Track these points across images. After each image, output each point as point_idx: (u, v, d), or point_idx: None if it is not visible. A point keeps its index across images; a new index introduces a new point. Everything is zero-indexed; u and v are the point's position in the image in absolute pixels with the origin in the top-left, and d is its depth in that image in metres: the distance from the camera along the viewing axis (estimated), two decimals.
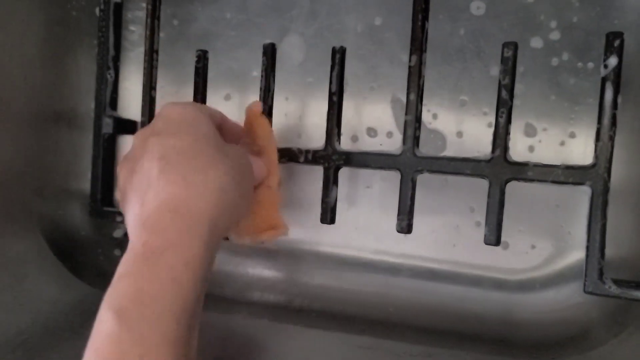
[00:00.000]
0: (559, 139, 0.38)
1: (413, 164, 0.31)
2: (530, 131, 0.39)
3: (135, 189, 0.27)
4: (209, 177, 0.26)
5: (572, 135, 0.38)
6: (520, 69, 0.38)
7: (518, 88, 0.38)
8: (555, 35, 0.38)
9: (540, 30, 0.38)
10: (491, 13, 0.39)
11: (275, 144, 0.33)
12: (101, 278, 0.43)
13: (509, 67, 0.29)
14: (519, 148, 0.39)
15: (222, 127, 0.32)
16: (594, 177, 0.28)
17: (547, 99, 0.39)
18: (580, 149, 0.38)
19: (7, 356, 0.32)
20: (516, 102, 0.38)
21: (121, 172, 0.29)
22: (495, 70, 0.39)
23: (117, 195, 0.31)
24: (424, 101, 0.40)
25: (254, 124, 0.34)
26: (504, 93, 0.29)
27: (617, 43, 0.27)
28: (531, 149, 0.39)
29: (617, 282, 0.27)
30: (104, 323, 0.22)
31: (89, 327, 0.36)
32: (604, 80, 0.27)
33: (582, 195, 0.39)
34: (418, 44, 0.31)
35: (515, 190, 0.40)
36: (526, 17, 0.39)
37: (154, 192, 0.25)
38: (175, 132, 0.28)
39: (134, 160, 0.28)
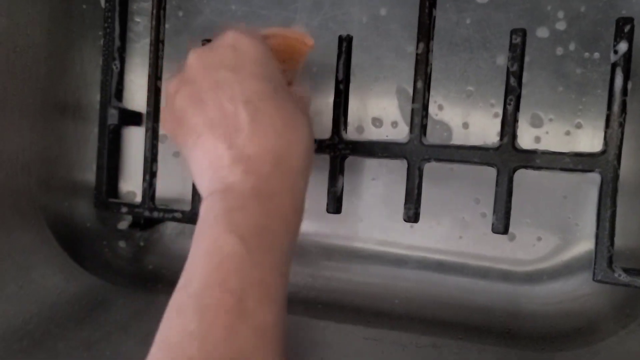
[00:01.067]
0: (566, 130, 0.38)
1: (420, 153, 0.31)
2: (536, 122, 0.39)
3: (212, 125, 0.26)
4: (301, 136, 0.26)
5: (579, 126, 0.38)
6: (526, 59, 0.38)
7: (524, 77, 0.38)
8: (561, 25, 0.38)
9: (547, 20, 0.38)
10: (497, 2, 0.39)
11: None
12: (106, 269, 0.43)
13: (517, 54, 0.29)
14: (526, 139, 0.39)
15: None
16: (603, 164, 0.27)
17: (554, 89, 0.39)
18: (587, 140, 0.38)
19: (14, 345, 0.32)
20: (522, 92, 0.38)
21: (179, 95, 0.27)
22: (501, 60, 0.39)
23: (167, 118, 0.29)
24: (431, 91, 0.40)
25: (297, 54, 0.32)
26: (512, 80, 0.29)
27: (627, 28, 0.27)
28: (537, 139, 0.39)
29: (627, 271, 0.27)
30: (228, 244, 0.23)
31: (94, 317, 0.36)
32: (614, 66, 0.27)
33: (589, 186, 0.39)
34: (425, 31, 0.31)
35: (522, 181, 0.39)
36: (533, 6, 0.39)
37: (247, 138, 0.25)
38: (254, 74, 0.26)
39: (199, 87, 0.26)
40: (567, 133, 0.38)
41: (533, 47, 0.38)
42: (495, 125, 0.39)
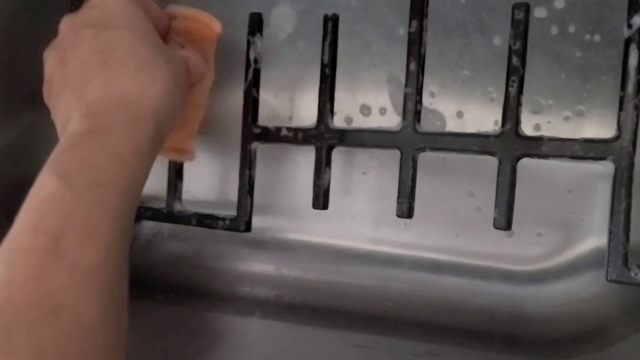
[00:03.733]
0: (567, 116, 0.36)
1: (414, 141, 0.28)
2: (536, 109, 0.36)
3: (68, 81, 0.26)
4: (155, 78, 0.26)
5: (582, 114, 0.35)
6: None
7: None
8: (560, 4, 0.35)
9: (546, 2, 0.36)
10: None
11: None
12: None
13: (520, 31, 0.26)
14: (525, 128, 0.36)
15: (149, 13, 0.30)
16: (617, 150, 0.25)
17: (555, 75, 0.36)
18: (592, 129, 0.35)
19: None
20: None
21: (48, 61, 0.28)
22: (499, 44, 0.36)
23: (44, 88, 0.29)
24: (425, 79, 0.38)
25: (206, 40, 0.33)
26: (515, 60, 0.26)
27: None
28: (537, 127, 0.36)
29: None
30: (46, 185, 0.22)
31: None
32: (628, 41, 0.24)
33: (596, 179, 0.36)
34: (419, 7, 0.28)
35: (523, 174, 0.37)
36: None
37: (94, 85, 0.25)
38: (112, 26, 0.27)
39: (63, 49, 0.27)
40: (566, 118, 0.35)
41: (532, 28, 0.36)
42: (492, 114, 0.37)
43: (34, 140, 0.39)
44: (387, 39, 0.38)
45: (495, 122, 0.37)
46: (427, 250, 0.38)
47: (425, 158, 0.37)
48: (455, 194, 0.38)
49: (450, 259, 0.38)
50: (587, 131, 0.36)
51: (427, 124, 0.38)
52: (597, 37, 0.35)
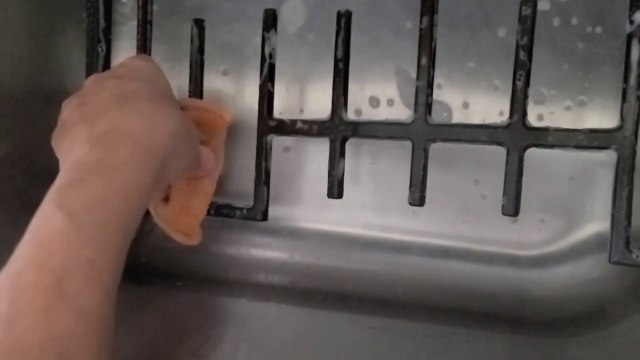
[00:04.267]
0: (569, 106, 0.37)
1: (425, 133, 0.30)
2: (540, 99, 0.37)
3: (84, 118, 0.26)
4: (167, 120, 0.27)
5: (582, 103, 0.37)
6: None
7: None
8: None
9: None
10: None
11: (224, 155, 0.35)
12: None
13: (527, 27, 0.27)
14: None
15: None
16: (620, 140, 0.26)
17: (559, 66, 0.37)
18: (595, 119, 0.37)
19: None
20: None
21: (67, 107, 0.28)
22: (504, 37, 0.37)
23: (55, 131, 0.29)
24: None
25: (216, 129, 0.34)
26: (522, 54, 0.28)
27: None
28: (540, 117, 0.37)
29: None
30: (52, 220, 0.22)
31: None
32: (629, 37, 0.26)
33: (597, 168, 0.37)
34: (429, 4, 0.29)
35: (526, 162, 0.38)
36: None
37: (109, 118, 0.25)
38: (136, 78, 0.28)
39: (85, 96, 0.28)
40: (567, 108, 0.37)
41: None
42: (498, 105, 0.38)
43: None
44: (396, 32, 0.39)
45: (500, 113, 0.38)
46: (435, 236, 0.40)
47: (432, 148, 0.39)
48: (461, 182, 0.39)
49: (457, 245, 0.40)
50: (589, 121, 0.37)
51: (434, 115, 0.39)
52: (598, 29, 0.36)
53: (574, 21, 0.37)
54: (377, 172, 0.40)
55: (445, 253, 0.40)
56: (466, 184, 0.39)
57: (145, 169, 0.25)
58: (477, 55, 0.38)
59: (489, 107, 0.38)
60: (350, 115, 0.40)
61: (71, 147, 0.25)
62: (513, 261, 0.39)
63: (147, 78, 0.29)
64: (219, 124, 0.34)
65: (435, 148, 0.39)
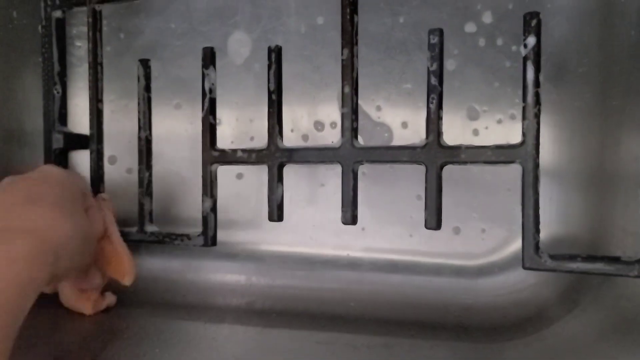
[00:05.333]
0: (500, 119, 0.39)
1: (352, 156, 0.32)
2: (473, 114, 0.40)
3: None
4: (66, 220, 0.30)
5: (513, 117, 0.39)
6: (454, 51, 0.39)
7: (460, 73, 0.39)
8: (488, 19, 0.39)
9: (476, 16, 0.39)
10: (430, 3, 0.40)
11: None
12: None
13: (436, 54, 0.30)
14: (466, 134, 0.40)
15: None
16: (523, 154, 0.28)
17: (490, 84, 0.40)
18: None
19: None
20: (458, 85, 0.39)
21: None
22: None
23: None
24: (372, 95, 0.41)
25: (110, 274, 0.38)
26: (432, 79, 0.30)
27: (534, 23, 0.28)
28: (475, 132, 0.40)
29: (553, 256, 0.28)
30: None
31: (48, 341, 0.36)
32: (525, 59, 0.28)
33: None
34: (348, 37, 0.32)
35: (466, 176, 0.40)
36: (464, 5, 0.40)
37: (11, 216, 0.29)
38: (45, 182, 0.32)
39: None
40: (499, 121, 0.39)
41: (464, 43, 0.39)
42: None
43: (12, 170, 0.42)
44: (336, 59, 0.42)
45: None
46: (384, 252, 0.42)
47: (376, 169, 0.41)
48: (406, 198, 0.41)
49: (405, 259, 0.41)
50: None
51: (376, 136, 0.41)
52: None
53: (499, 42, 0.39)
54: (326, 193, 0.42)
55: (395, 267, 0.42)
56: (411, 199, 0.41)
57: (39, 262, 0.27)
58: (413, 78, 0.41)
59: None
60: (298, 139, 0.42)
61: None
62: (459, 272, 0.41)
63: (57, 184, 0.32)
64: (117, 274, 0.37)
65: (378, 168, 0.41)
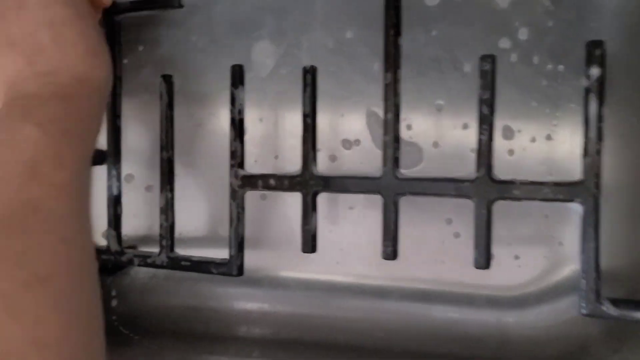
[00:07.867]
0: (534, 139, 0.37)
1: (394, 187, 0.30)
2: (508, 134, 0.38)
3: (12, 43, 0.27)
4: (102, 63, 0.29)
5: (549, 138, 0.37)
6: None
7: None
8: (524, 37, 0.37)
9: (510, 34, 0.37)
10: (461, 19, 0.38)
11: None
12: None
13: (488, 82, 0.28)
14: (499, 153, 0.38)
15: None
16: (583, 193, 0.26)
17: (526, 103, 0.38)
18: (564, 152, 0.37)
19: None
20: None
21: None
22: (469, 71, 0.38)
23: None
24: (402, 114, 0.39)
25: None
26: (484, 109, 0.28)
27: (598, 52, 0.26)
28: (511, 152, 0.38)
29: (615, 303, 0.26)
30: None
31: None
32: (587, 91, 0.26)
33: (571, 205, 0.38)
34: (392, 60, 0.30)
35: (501, 202, 0.38)
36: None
37: (47, 58, 0.27)
38: (60, 2, 0.28)
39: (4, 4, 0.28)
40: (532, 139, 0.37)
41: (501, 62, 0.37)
42: (468, 142, 0.38)
43: None
44: (364, 76, 0.40)
45: (472, 150, 0.38)
46: (414, 281, 0.40)
47: None
48: (434, 222, 0.39)
49: (436, 288, 0.40)
50: (558, 152, 0.37)
51: (405, 157, 0.39)
52: (560, 67, 0.37)
53: (535, 59, 0.37)
54: (353, 217, 0.40)
55: (425, 297, 0.40)
56: (440, 223, 0.39)
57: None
58: (445, 96, 0.39)
59: (459, 145, 0.38)
60: (324, 159, 0.40)
61: (7, 77, 0.26)
62: (493, 302, 0.39)
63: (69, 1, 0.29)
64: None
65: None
